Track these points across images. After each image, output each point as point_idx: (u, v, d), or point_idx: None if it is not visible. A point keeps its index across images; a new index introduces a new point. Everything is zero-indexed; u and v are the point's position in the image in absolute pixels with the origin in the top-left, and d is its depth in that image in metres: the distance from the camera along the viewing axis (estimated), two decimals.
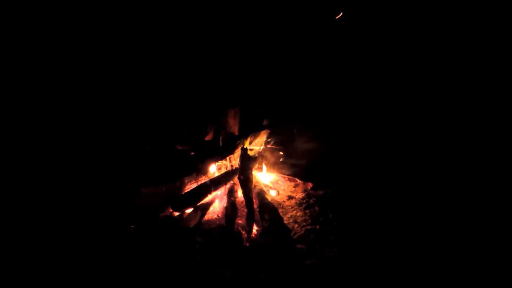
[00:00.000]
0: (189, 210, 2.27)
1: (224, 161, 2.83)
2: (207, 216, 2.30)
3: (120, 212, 2.22)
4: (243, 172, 2.50)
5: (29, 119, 2.77)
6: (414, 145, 2.86)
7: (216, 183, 2.48)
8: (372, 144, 2.98)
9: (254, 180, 2.59)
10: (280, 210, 2.37)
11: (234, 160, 2.81)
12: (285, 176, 2.86)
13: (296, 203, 2.49)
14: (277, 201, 2.55)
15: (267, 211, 2.19)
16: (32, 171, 2.49)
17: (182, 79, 3.14)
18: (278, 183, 2.86)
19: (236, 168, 2.66)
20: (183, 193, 2.38)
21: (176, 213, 2.27)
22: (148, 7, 3.12)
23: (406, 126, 3.03)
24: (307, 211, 2.34)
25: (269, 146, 3.10)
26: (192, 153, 2.80)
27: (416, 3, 3.13)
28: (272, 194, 2.65)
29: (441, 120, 2.95)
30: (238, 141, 2.85)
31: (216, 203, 2.46)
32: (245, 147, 2.86)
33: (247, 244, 2.00)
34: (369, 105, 3.23)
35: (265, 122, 3.08)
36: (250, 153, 2.77)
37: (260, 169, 2.83)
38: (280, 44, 3.34)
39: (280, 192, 2.69)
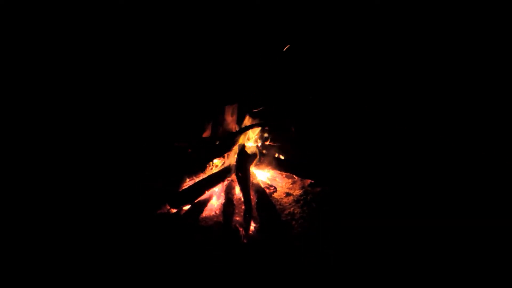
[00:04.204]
0: (186, 207, 2.27)
1: (221, 158, 2.82)
2: (205, 213, 2.30)
3: (119, 209, 2.21)
4: (241, 169, 2.50)
5: (29, 118, 2.76)
6: (414, 144, 2.86)
7: (213, 180, 2.48)
8: (371, 142, 2.99)
9: (251, 177, 2.58)
10: (277, 207, 2.37)
11: (231, 157, 2.81)
12: (283, 173, 2.86)
13: (293, 200, 2.49)
14: (275, 198, 2.55)
15: (264, 208, 2.19)
16: (31, 169, 2.47)
17: (180, 77, 3.12)
18: (275, 180, 2.86)
19: (233, 165, 2.65)
20: (180, 190, 2.38)
21: (174, 210, 2.27)
22: (147, 5, 3.09)
23: (406, 125, 3.04)
24: (304, 208, 2.34)
25: (267, 143, 3.09)
26: (190, 150, 2.80)
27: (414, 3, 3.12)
28: (269, 191, 2.64)
29: (441, 120, 2.95)
30: (236, 138, 2.84)
31: (214, 200, 2.46)
32: (242, 144, 2.86)
33: (245, 241, 2.00)
34: (370, 103, 3.23)
35: (263, 119, 3.07)
36: (247, 150, 2.76)
37: (257, 166, 2.82)
38: (279, 41, 3.32)
39: (277, 189, 2.69)
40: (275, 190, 2.67)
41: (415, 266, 1.73)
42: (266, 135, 3.13)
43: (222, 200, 2.39)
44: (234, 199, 2.37)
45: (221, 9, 3.19)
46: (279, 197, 2.57)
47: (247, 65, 3.25)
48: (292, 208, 2.38)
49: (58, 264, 1.74)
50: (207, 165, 2.68)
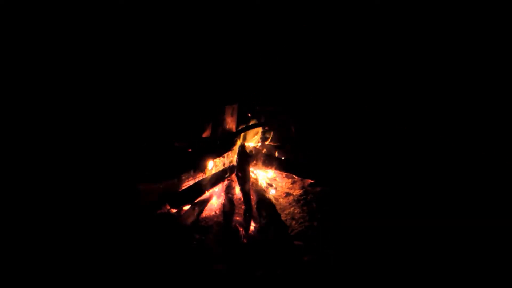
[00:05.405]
0: (186, 207, 2.27)
1: (221, 158, 2.82)
2: (205, 213, 2.30)
3: (119, 209, 2.21)
4: (241, 169, 2.50)
5: (30, 118, 2.76)
6: (414, 144, 2.86)
7: (213, 180, 2.48)
8: (371, 142, 2.98)
9: (251, 177, 2.58)
10: (277, 207, 2.37)
11: (231, 157, 2.81)
12: (283, 172, 2.86)
13: (293, 199, 2.49)
14: (275, 198, 2.55)
15: (264, 207, 2.19)
16: (31, 169, 2.47)
17: (180, 76, 3.12)
18: (275, 179, 2.86)
19: (233, 165, 2.66)
20: (180, 190, 2.38)
21: (174, 210, 2.27)
22: (147, 5, 3.09)
23: (406, 124, 3.03)
24: (304, 208, 2.34)
25: (267, 142, 3.09)
26: (190, 150, 2.79)
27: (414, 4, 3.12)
28: (269, 191, 2.65)
29: (441, 120, 2.95)
30: (236, 138, 2.84)
31: (214, 200, 2.46)
32: (242, 143, 2.86)
33: (245, 241, 2.00)
34: (370, 103, 3.23)
35: (263, 119, 3.07)
36: (247, 150, 2.76)
37: (257, 166, 2.82)
38: (278, 41, 3.32)
39: (277, 188, 2.69)
40: (275, 190, 2.67)
41: (414, 266, 1.72)
42: (266, 135, 3.13)
43: (222, 200, 2.39)
44: (234, 199, 2.37)
45: (221, 9, 3.20)
46: (279, 197, 2.58)
47: (247, 65, 3.25)
48: (292, 208, 2.38)
49: (58, 264, 1.74)
50: (207, 165, 2.68)
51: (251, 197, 2.31)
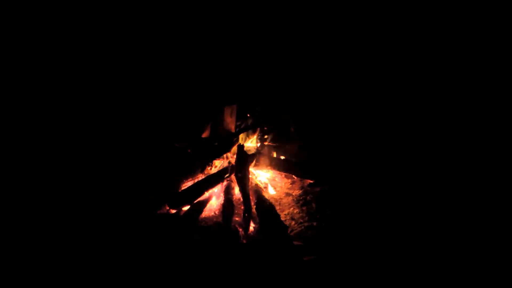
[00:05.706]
0: (186, 208, 2.27)
1: (221, 158, 2.82)
2: (204, 214, 2.30)
3: (119, 209, 2.21)
4: (240, 169, 2.50)
5: (29, 118, 2.75)
6: (414, 144, 2.86)
7: (213, 180, 2.48)
8: (371, 142, 2.98)
9: (251, 177, 2.58)
10: (277, 207, 2.37)
11: (231, 157, 2.81)
12: (282, 173, 2.86)
13: (293, 200, 2.49)
14: (274, 198, 2.55)
15: (264, 208, 2.19)
16: (32, 169, 2.47)
17: (179, 77, 3.12)
18: (275, 180, 2.85)
19: (232, 165, 2.65)
20: (180, 190, 2.38)
21: (173, 211, 2.27)
22: (147, 5, 3.09)
23: (405, 124, 3.03)
24: (304, 208, 2.34)
25: (266, 143, 3.09)
26: (189, 150, 2.80)
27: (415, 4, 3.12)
28: (269, 191, 2.64)
29: (442, 120, 2.95)
30: (235, 138, 2.84)
31: (213, 201, 2.46)
32: (241, 144, 2.86)
33: (244, 241, 2.00)
34: (370, 103, 3.22)
35: (262, 119, 3.07)
36: (247, 150, 2.76)
37: (257, 166, 2.82)
38: (278, 41, 3.32)
39: (277, 189, 2.69)
40: (275, 190, 2.67)
41: (414, 266, 1.72)
42: (265, 135, 3.13)
43: (221, 200, 2.39)
44: (233, 200, 2.37)
45: (220, 9, 3.20)
46: (279, 197, 2.57)
47: (246, 66, 3.25)
48: (291, 208, 2.38)
49: (59, 263, 1.74)
50: (207, 166, 2.68)
51: (251, 197, 2.31)
